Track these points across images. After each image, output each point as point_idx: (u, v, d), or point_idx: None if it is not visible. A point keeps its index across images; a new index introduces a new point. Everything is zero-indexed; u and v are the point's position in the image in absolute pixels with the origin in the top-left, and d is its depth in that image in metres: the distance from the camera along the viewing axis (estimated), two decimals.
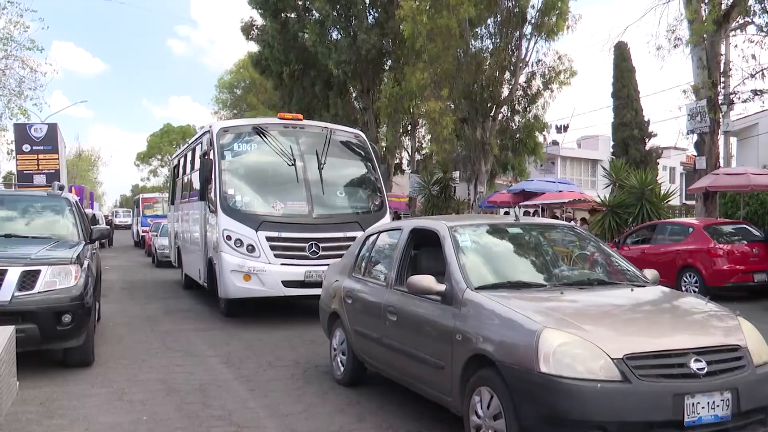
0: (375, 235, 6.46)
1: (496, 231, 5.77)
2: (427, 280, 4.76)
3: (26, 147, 26.47)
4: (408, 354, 5.07)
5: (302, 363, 7.21)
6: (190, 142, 14.20)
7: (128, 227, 43.44)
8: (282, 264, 9.44)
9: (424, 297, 4.89)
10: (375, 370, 5.96)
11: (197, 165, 11.74)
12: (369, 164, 10.93)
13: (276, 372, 6.83)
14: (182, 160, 14.70)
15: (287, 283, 9.45)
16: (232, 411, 5.44)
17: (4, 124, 25.95)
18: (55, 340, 6.45)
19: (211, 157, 10.13)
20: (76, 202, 8.89)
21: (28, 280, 6.31)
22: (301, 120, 10.95)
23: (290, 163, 10.09)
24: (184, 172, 14.28)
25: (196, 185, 11.55)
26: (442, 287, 4.73)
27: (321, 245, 9.56)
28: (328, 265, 9.25)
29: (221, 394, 5.97)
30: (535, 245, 5.72)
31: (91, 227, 8.50)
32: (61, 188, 9.52)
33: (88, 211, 25.18)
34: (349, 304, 6.15)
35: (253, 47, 33.87)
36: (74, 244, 7.45)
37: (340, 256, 9.39)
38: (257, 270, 9.37)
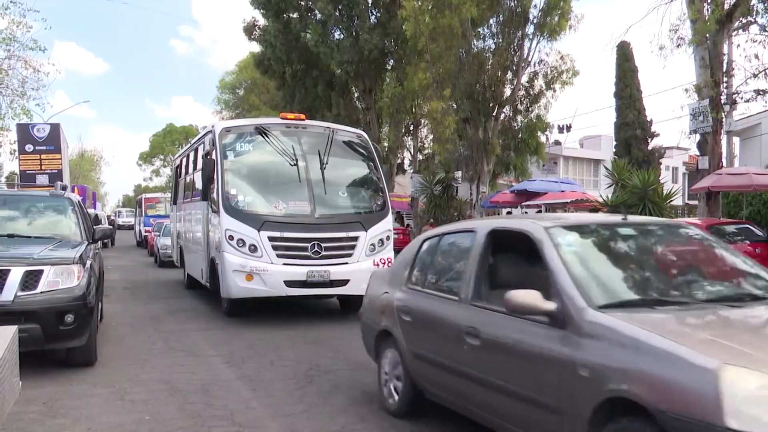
0: (436, 238, 5.51)
1: (605, 232, 4.60)
2: (531, 297, 3.77)
3: (29, 147, 26.49)
4: (498, 389, 4.09)
5: (304, 363, 7.21)
6: (192, 142, 14.13)
7: (132, 228, 43.41)
8: (284, 264, 9.46)
9: (525, 318, 3.88)
10: (439, 401, 5.02)
11: (199, 165, 11.78)
12: (371, 164, 10.97)
13: (278, 372, 6.83)
14: (184, 160, 14.71)
15: (290, 283, 9.46)
16: (234, 411, 5.45)
17: (6, 124, 25.99)
18: (58, 340, 6.46)
19: (214, 157, 10.16)
20: (78, 202, 8.91)
21: (30, 280, 6.32)
22: (303, 120, 10.97)
23: (292, 163, 10.11)
24: (186, 172, 14.30)
25: (199, 185, 11.59)
26: (551, 306, 3.74)
27: (323, 245, 9.57)
28: (330, 264, 9.56)
29: (223, 393, 5.97)
30: (654, 250, 4.63)
31: (94, 227, 8.51)
32: (64, 188, 9.53)
33: (91, 211, 25.22)
34: (406, 321, 5.23)
35: (255, 47, 33.88)
36: (77, 244, 7.46)
37: (343, 256, 9.70)
38: (259, 270, 9.39)
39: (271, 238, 9.46)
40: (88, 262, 6.99)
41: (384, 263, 9.87)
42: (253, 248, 9.43)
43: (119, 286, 15.15)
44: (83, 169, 64.45)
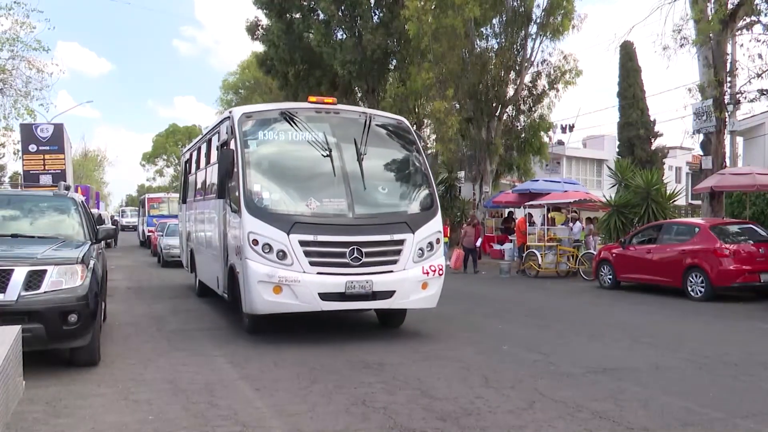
0: None
1: None
2: None
3: (32, 147, 26.59)
4: None
5: (308, 362, 7.21)
6: (205, 132, 12.75)
7: (136, 228, 43.43)
8: (318, 273, 8.05)
9: None
10: None
11: (214, 158, 10.66)
12: (415, 155, 9.48)
13: (281, 371, 6.83)
14: (195, 154, 13.44)
15: (325, 296, 8.07)
16: (237, 410, 5.45)
17: (10, 124, 26.05)
18: (62, 340, 6.46)
19: (233, 147, 8.83)
20: (82, 202, 8.91)
21: (34, 279, 6.32)
22: (334, 104, 9.52)
23: (325, 154, 8.71)
24: (198, 167, 13.03)
25: (214, 181, 10.35)
26: None
27: (364, 250, 8.16)
28: (371, 273, 8.17)
29: (227, 393, 5.97)
30: None
31: (97, 227, 8.52)
32: (67, 188, 9.55)
33: (94, 211, 25.28)
34: None
35: (258, 47, 33.99)
36: (80, 244, 7.47)
37: (387, 262, 8.31)
38: (289, 280, 7.99)
39: (302, 243, 8.03)
40: (92, 262, 6.99)
41: (434, 271, 8.62)
42: (282, 254, 8.01)
43: (123, 286, 15.18)
44: (86, 169, 64.56)
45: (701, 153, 18.83)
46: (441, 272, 8.69)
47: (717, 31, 16.64)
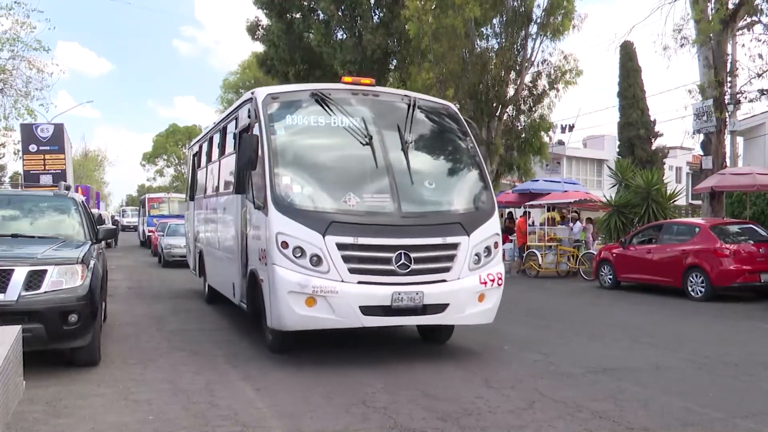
0: None
1: None
2: None
3: (33, 147, 26.61)
4: None
5: (308, 363, 7.21)
6: (218, 119, 11.44)
7: (136, 228, 43.41)
8: (359, 282, 6.84)
9: None
10: None
11: (230, 148, 9.65)
12: (467, 145, 8.29)
13: (282, 372, 6.83)
14: (206, 145, 12.23)
15: (367, 310, 6.85)
16: (238, 411, 5.45)
17: (11, 124, 26.08)
18: (62, 340, 6.46)
19: (257, 133, 7.64)
20: (82, 202, 8.92)
21: (34, 279, 6.33)
22: (372, 85, 8.34)
23: (364, 142, 7.55)
24: (209, 160, 11.79)
25: (230, 174, 9.40)
26: None
27: (412, 255, 6.96)
28: (422, 283, 6.99)
29: (227, 393, 5.97)
30: None
31: (98, 227, 8.52)
32: (68, 188, 9.56)
33: (94, 211, 25.30)
34: None
35: (259, 47, 33.93)
36: (80, 244, 7.47)
37: (439, 270, 7.12)
38: (326, 291, 6.76)
39: (341, 246, 6.83)
40: (92, 262, 6.99)
41: (493, 281, 7.41)
42: (316, 260, 6.80)
43: (123, 286, 15.18)
44: (87, 169, 64.59)
45: (701, 153, 18.84)
46: (500, 282, 7.54)
47: (717, 31, 16.65)
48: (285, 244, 6.87)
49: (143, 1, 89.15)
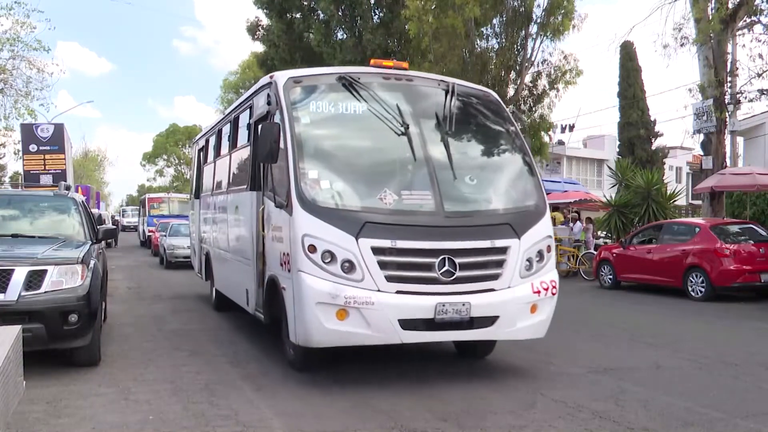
0: None
1: None
2: None
3: (33, 147, 26.64)
4: None
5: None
6: (229, 109, 10.54)
7: (136, 228, 43.36)
8: (398, 292, 6.00)
9: None
10: None
11: (243, 139, 8.93)
12: (513, 137, 7.44)
13: (282, 372, 6.83)
14: (214, 139, 11.32)
15: (407, 324, 6.02)
16: (238, 410, 5.45)
17: (11, 124, 26.10)
18: (62, 340, 6.46)
19: (278, 121, 6.75)
20: (82, 201, 8.92)
21: (34, 279, 6.33)
22: (406, 69, 7.48)
23: (400, 132, 6.69)
24: (218, 154, 10.89)
25: (243, 169, 8.71)
26: None
27: (458, 261, 6.12)
28: (468, 292, 6.16)
29: (228, 393, 5.97)
30: None
31: (98, 227, 8.53)
32: (68, 188, 9.55)
33: (94, 211, 25.30)
34: None
35: (259, 47, 33.95)
36: (81, 244, 7.47)
37: (487, 278, 6.30)
38: (360, 302, 5.91)
39: (377, 250, 5.99)
40: (92, 262, 7.00)
41: (546, 289, 6.59)
42: (349, 266, 5.96)
43: (123, 286, 15.18)
44: (87, 169, 64.59)
45: (701, 153, 18.86)
46: (555, 291, 6.69)
47: (717, 31, 16.65)
48: (312, 248, 6.02)
49: (143, 1, 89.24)
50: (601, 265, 15.89)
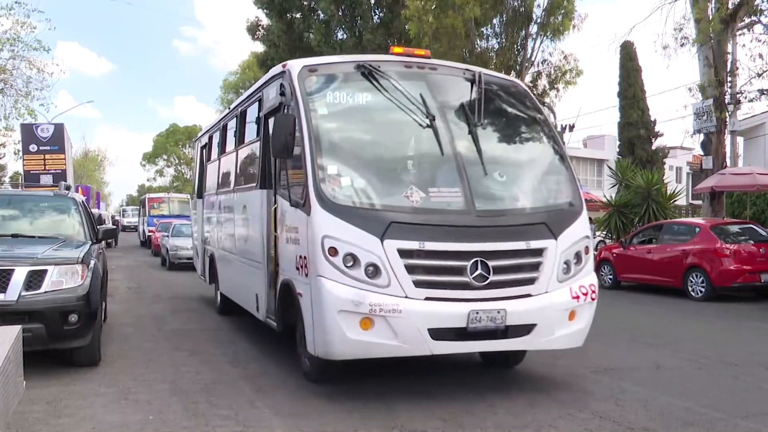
0: None
1: None
2: None
3: (33, 147, 26.67)
4: None
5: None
6: (235, 103, 9.90)
7: (137, 228, 43.28)
8: (428, 299, 5.52)
9: None
10: None
11: (251, 135, 8.45)
12: (544, 130, 6.91)
13: (282, 372, 6.83)
14: (219, 135, 10.77)
15: (437, 334, 5.53)
16: (238, 410, 5.45)
17: (11, 124, 26.12)
18: (62, 340, 6.46)
19: (292, 113, 6.18)
20: (82, 201, 8.92)
21: (34, 279, 6.33)
22: (428, 57, 6.99)
23: (425, 124, 6.23)
24: (223, 151, 10.41)
25: (251, 166, 8.30)
26: None
27: (491, 264, 5.64)
28: (503, 298, 5.67)
29: (228, 393, 5.97)
30: None
31: (98, 227, 8.53)
32: (68, 188, 9.56)
33: (94, 210, 25.31)
34: None
35: (258, 47, 34.01)
36: (81, 244, 7.47)
37: (522, 282, 5.81)
38: (386, 309, 5.44)
39: (404, 252, 5.51)
40: (92, 262, 7.00)
41: (586, 294, 6.09)
42: (373, 270, 5.49)
43: (123, 286, 15.18)
44: (87, 169, 64.64)
45: (702, 153, 18.87)
46: (594, 296, 6.20)
47: (717, 31, 16.66)
48: (333, 251, 5.53)
49: (143, 1, 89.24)
50: (601, 265, 15.89)
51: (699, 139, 18.52)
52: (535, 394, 6.00)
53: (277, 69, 7.12)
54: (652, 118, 34.29)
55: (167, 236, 21.50)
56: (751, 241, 13.31)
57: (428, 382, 6.40)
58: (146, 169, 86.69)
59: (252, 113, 8.39)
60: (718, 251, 12.93)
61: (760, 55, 16.59)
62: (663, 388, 6.21)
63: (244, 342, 8.45)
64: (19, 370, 5.37)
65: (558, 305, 5.90)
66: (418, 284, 5.50)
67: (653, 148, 34.17)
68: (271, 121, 6.82)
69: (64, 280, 6.46)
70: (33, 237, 7.66)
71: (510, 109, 6.97)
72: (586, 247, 6.25)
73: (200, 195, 12.28)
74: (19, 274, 6.28)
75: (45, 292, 6.34)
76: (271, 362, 7.27)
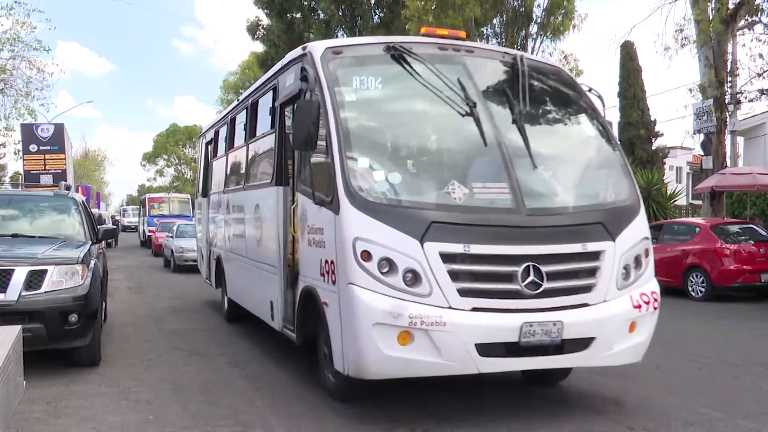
0: None
1: None
2: None
3: (33, 147, 26.68)
4: None
5: (307, 363, 7.20)
6: (246, 93, 9.12)
7: (137, 228, 43.20)
8: (474, 309, 4.86)
9: None
10: None
11: (265, 127, 7.70)
12: (595, 120, 6.23)
13: (282, 372, 6.83)
14: (227, 129, 10.03)
15: (485, 349, 4.87)
16: (238, 410, 5.45)
17: (11, 124, 26.14)
18: (62, 340, 6.47)
19: (315, 99, 5.50)
20: (82, 201, 8.92)
21: (35, 279, 6.34)
22: (464, 38, 6.31)
23: (465, 112, 5.54)
24: (231, 146, 9.68)
25: (266, 160, 7.61)
26: None
27: (544, 269, 4.97)
28: (558, 308, 5.00)
29: (227, 393, 5.98)
30: None
31: (98, 227, 8.53)
32: (68, 188, 9.57)
33: (94, 210, 25.31)
34: None
35: (259, 47, 34.03)
36: (81, 244, 7.47)
37: (579, 290, 5.12)
38: (428, 322, 4.76)
39: (446, 257, 4.84)
40: (92, 262, 7.00)
41: (648, 303, 5.39)
42: (413, 277, 4.81)
43: (123, 286, 15.18)
44: (87, 169, 64.63)
45: (702, 153, 18.87)
46: (656, 305, 5.50)
47: (718, 31, 16.66)
48: (367, 255, 4.85)
49: (143, 1, 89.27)
50: None
51: (699, 139, 18.54)
52: (534, 394, 6.00)
53: (295, 52, 6.39)
54: (653, 118, 34.24)
55: (171, 237, 20.77)
56: (751, 241, 13.31)
57: (428, 381, 6.39)
58: (146, 169, 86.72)
59: (265, 103, 7.73)
60: (719, 251, 12.93)
61: (761, 55, 16.59)
62: (663, 388, 6.21)
63: (244, 342, 8.45)
64: (19, 370, 5.37)
65: (618, 316, 5.23)
66: (463, 293, 4.83)
67: (653, 148, 34.10)
68: (287, 110, 6.42)
69: (64, 280, 6.47)
70: (33, 237, 7.66)
71: (555, 96, 6.35)
72: (647, 250, 5.57)
73: (205, 194, 11.61)
74: (19, 274, 6.29)
75: (45, 292, 6.34)
76: (271, 362, 7.27)
